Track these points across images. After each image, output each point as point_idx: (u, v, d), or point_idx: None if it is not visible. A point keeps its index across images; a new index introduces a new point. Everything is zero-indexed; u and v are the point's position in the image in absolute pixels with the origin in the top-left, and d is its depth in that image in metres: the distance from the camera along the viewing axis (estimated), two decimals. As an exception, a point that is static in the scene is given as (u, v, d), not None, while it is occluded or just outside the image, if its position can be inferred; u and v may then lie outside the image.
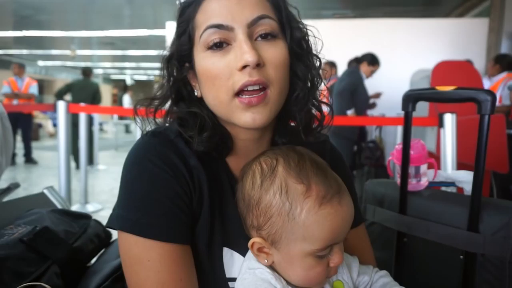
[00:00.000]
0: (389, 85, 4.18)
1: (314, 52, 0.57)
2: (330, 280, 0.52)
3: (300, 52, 0.54)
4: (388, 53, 4.55)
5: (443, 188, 0.96)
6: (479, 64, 4.39)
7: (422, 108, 2.72)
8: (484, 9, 5.50)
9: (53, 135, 9.35)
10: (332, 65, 3.71)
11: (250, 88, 0.48)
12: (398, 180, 0.89)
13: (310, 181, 0.46)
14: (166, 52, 0.56)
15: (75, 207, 3.19)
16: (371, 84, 3.62)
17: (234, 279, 0.53)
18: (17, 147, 5.77)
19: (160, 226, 0.48)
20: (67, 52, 11.01)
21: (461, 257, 0.79)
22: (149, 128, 0.57)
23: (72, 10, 7.24)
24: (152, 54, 11.85)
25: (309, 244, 0.46)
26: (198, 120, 0.54)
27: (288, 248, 0.47)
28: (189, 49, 0.53)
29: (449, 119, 1.90)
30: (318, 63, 0.57)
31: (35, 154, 5.92)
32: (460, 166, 1.99)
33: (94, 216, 0.81)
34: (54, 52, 12.21)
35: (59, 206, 0.86)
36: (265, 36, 0.50)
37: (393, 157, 0.91)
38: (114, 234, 0.79)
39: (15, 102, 5.41)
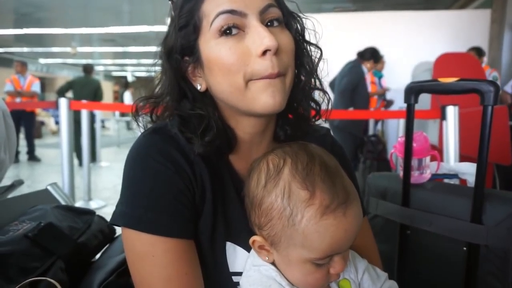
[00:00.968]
0: (391, 78, 4.16)
1: (315, 43, 0.57)
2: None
3: (303, 42, 0.55)
4: (390, 46, 4.52)
5: (446, 180, 0.95)
6: (482, 56, 4.34)
7: (424, 101, 2.71)
8: (486, 1, 5.44)
9: (56, 133, 9.38)
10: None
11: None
12: (401, 173, 0.88)
13: (315, 187, 0.44)
14: (159, 50, 0.55)
15: (78, 204, 3.21)
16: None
17: (237, 273, 0.53)
18: (20, 144, 5.80)
19: (164, 222, 0.48)
20: (68, 49, 11.00)
21: (465, 248, 0.79)
22: (149, 125, 0.57)
23: (72, 7, 7.23)
24: (153, 50, 11.80)
25: (308, 252, 0.44)
26: (202, 122, 0.53)
27: (287, 252, 0.46)
28: (194, 41, 0.52)
29: (452, 112, 1.90)
30: (319, 54, 0.57)
31: (38, 151, 5.94)
32: (462, 158, 1.99)
33: (98, 213, 0.81)
34: (55, 49, 12.21)
35: (62, 202, 0.86)
36: (273, 23, 0.50)
37: (395, 150, 0.91)
38: (118, 229, 0.80)
39: (18, 100, 5.43)
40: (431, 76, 2.93)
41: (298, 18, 0.56)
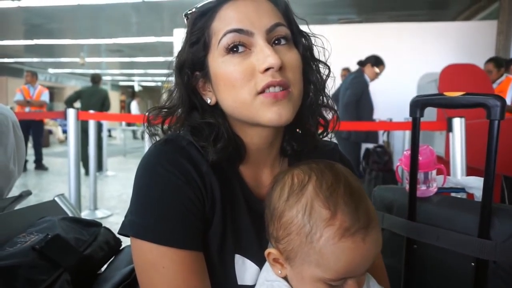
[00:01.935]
0: (396, 89, 4.16)
1: (322, 60, 0.58)
2: None
3: (311, 59, 0.57)
4: (395, 57, 4.53)
5: (453, 194, 0.95)
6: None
7: (431, 112, 2.70)
8: (492, 12, 5.45)
9: (63, 142, 9.47)
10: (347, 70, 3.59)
11: (272, 89, 0.49)
12: (407, 186, 0.88)
13: (337, 208, 0.43)
14: (173, 61, 0.57)
15: (84, 213, 3.22)
16: (378, 89, 3.60)
17: (246, 286, 0.53)
18: (28, 153, 5.87)
19: (174, 233, 0.48)
20: (76, 59, 11.19)
21: (473, 264, 0.78)
22: (159, 137, 0.58)
23: (81, 19, 7.38)
24: (160, 61, 11.99)
25: (322, 272, 0.44)
26: (213, 130, 0.54)
27: (301, 268, 0.46)
28: (203, 57, 0.54)
29: (458, 124, 1.89)
30: (327, 71, 0.58)
31: (46, 160, 6.00)
32: (469, 170, 1.97)
33: (103, 222, 0.82)
34: (64, 59, 12.43)
35: (70, 214, 0.87)
36: (281, 41, 0.51)
37: (401, 163, 0.91)
38: (124, 241, 0.80)
39: (27, 109, 5.51)
40: (436, 87, 2.92)
41: (307, 36, 0.57)
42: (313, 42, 0.58)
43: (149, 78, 18.22)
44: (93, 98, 5.35)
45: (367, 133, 3.20)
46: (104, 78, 16.38)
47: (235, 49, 0.50)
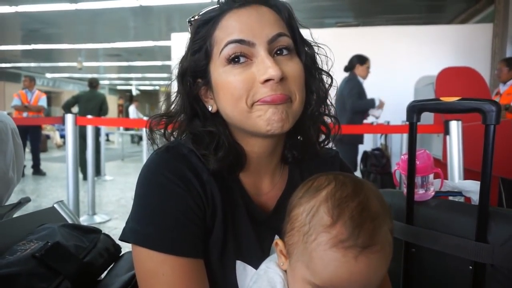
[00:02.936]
0: (393, 92, 4.17)
1: (325, 69, 0.58)
2: None
3: (313, 68, 0.57)
4: (392, 61, 4.56)
5: (450, 198, 0.95)
6: (484, 70, 4.38)
7: (428, 115, 2.72)
8: (487, 15, 5.50)
9: (61, 146, 9.45)
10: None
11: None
12: (405, 190, 0.89)
13: (339, 219, 0.43)
14: (173, 67, 0.58)
15: (82, 218, 3.21)
16: (376, 92, 3.61)
17: None
18: (26, 158, 5.84)
19: (174, 240, 0.49)
20: (74, 64, 11.19)
21: (470, 267, 0.79)
22: (160, 143, 0.58)
23: (79, 23, 7.39)
24: (157, 65, 12.00)
25: (310, 275, 0.45)
26: (214, 139, 0.54)
27: (295, 265, 0.47)
28: (205, 65, 0.54)
29: (455, 127, 1.90)
30: (329, 80, 0.59)
31: (43, 165, 5.98)
32: (467, 172, 1.98)
33: (102, 227, 0.82)
34: (62, 64, 12.43)
35: (69, 221, 0.87)
36: (282, 52, 0.52)
37: (399, 167, 0.92)
38: (124, 247, 0.81)
39: (24, 114, 5.50)
40: (433, 90, 2.94)
41: (311, 44, 0.57)
42: (316, 50, 0.58)
43: (147, 82, 18.23)
44: (91, 103, 5.35)
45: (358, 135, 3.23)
46: (102, 82, 16.37)
47: (236, 59, 0.51)
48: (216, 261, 0.53)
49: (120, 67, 13.43)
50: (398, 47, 4.90)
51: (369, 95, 3.43)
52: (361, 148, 3.49)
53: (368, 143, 3.97)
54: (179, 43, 6.02)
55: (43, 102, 5.67)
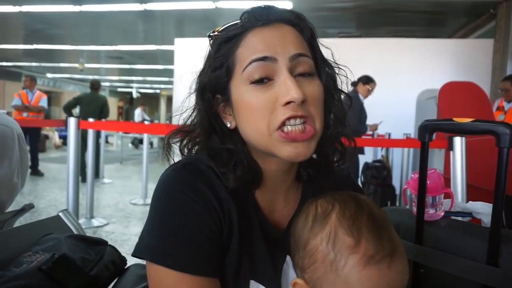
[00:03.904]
0: (394, 105, 4.19)
1: (344, 90, 0.58)
2: None
3: (333, 90, 0.56)
4: (393, 73, 4.58)
5: (460, 219, 0.95)
6: (485, 85, 4.40)
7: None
8: (488, 30, 5.55)
9: (59, 147, 9.41)
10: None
11: (292, 122, 0.49)
12: (414, 209, 0.88)
13: (361, 236, 0.44)
14: (193, 83, 0.57)
15: (80, 221, 3.17)
16: (378, 104, 3.63)
17: None
18: (24, 159, 5.80)
19: (193, 259, 0.48)
20: (75, 65, 11.21)
21: (480, 291, 0.78)
22: (176, 157, 0.58)
23: (83, 25, 7.41)
24: (159, 68, 12.03)
25: None
26: (233, 156, 0.54)
27: None
28: (226, 82, 0.54)
29: (459, 142, 1.90)
30: (348, 102, 0.58)
31: (41, 165, 5.95)
32: (470, 188, 1.98)
33: (99, 231, 0.81)
34: (63, 65, 12.44)
35: (74, 230, 0.86)
36: (304, 74, 0.51)
37: (408, 186, 0.91)
38: (129, 260, 0.79)
39: (24, 114, 5.48)
40: (436, 103, 2.96)
41: (332, 65, 0.57)
42: (336, 71, 0.58)
43: (148, 85, 18.26)
44: (92, 105, 5.33)
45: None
46: (103, 84, 16.39)
47: (258, 81, 0.50)
48: (230, 280, 0.52)
49: (121, 69, 13.46)
50: (399, 59, 4.94)
51: (371, 107, 3.45)
52: (362, 159, 3.50)
53: (369, 154, 3.98)
54: (182, 47, 6.04)
55: (43, 102, 5.66)
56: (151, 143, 8.55)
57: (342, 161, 0.62)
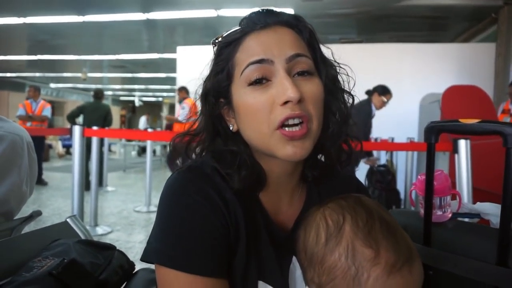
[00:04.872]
0: (398, 109, 4.19)
1: (346, 89, 0.58)
2: None
3: (333, 89, 0.57)
4: (396, 78, 4.60)
5: (467, 220, 0.94)
6: (488, 89, 4.40)
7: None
8: (490, 34, 5.57)
9: (63, 156, 9.45)
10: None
11: (291, 121, 0.49)
12: (421, 211, 0.88)
13: (379, 246, 0.43)
14: (199, 88, 0.58)
15: (84, 230, 3.18)
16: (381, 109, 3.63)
17: None
18: (28, 168, 5.82)
19: (202, 261, 0.48)
20: (78, 74, 11.31)
21: (491, 292, 0.77)
22: (180, 162, 0.58)
23: (86, 35, 7.49)
24: (161, 77, 12.12)
25: None
26: (236, 158, 0.55)
27: None
28: (227, 86, 0.55)
29: (463, 145, 1.90)
30: (350, 100, 0.58)
31: (45, 175, 5.97)
32: (475, 191, 1.97)
33: (103, 239, 0.81)
34: (66, 74, 12.55)
35: (82, 236, 0.86)
36: (302, 73, 0.52)
37: (415, 187, 0.91)
38: (136, 266, 0.79)
39: (28, 124, 5.52)
40: (439, 107, 2.96)
41: (333, 64, 0.58)
42: (338, 70, 0.58)
43: (150, 94, 18.38)
44: (95, 114, 5.37)
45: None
46: (105, 92, 16.52)
47: (256, 83, 0.51)
48: (239, 281, 0.52)
49: (124, 78, 13.56)
50: (402, 64, 4.95)
51: (374, 111, 3.43)
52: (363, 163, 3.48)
53: (372, 158, 3.96)
54: (184, 56, 6.09)
55: (47, 112, 5.70)
56: (154, 151, 8.57)
57: (349, 162, 0.62)
